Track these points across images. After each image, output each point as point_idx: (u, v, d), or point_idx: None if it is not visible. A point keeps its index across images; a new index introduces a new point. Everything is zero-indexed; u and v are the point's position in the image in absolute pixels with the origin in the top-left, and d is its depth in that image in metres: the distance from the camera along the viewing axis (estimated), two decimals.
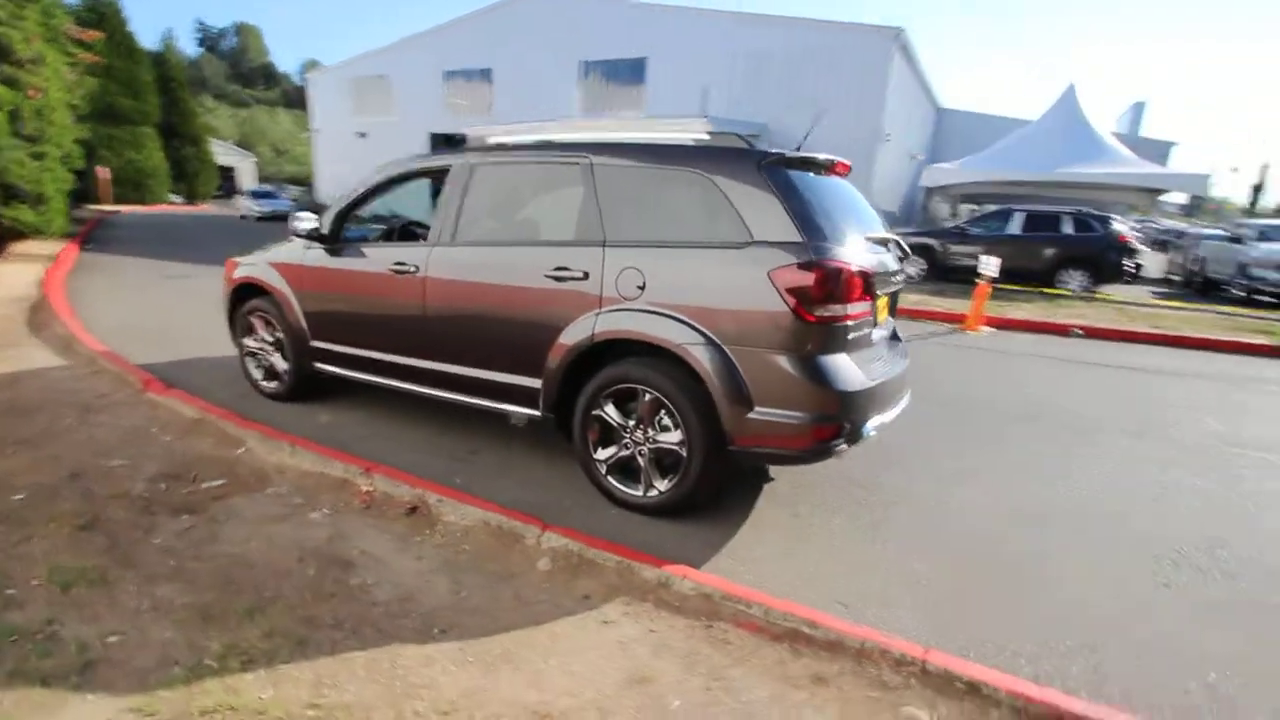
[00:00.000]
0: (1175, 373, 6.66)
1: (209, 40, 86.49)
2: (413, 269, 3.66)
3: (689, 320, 2.87)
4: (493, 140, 3.77)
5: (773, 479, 3.55)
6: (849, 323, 2.84)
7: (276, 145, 61.86)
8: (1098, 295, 11.84)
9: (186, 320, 6.88)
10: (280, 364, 4.47)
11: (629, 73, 19.75)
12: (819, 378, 2.75)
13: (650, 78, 19.22)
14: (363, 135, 25.58)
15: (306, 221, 4.08)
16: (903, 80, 17.63)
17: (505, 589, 2.45)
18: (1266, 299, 12.15)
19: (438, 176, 3.78)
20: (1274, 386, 6.26)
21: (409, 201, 4.83)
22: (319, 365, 4.26)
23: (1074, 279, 12.16)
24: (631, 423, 3.10)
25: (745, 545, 2.87)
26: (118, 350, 5.32)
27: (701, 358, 2.83)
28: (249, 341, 4.63)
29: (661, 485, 3.06)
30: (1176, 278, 16.17)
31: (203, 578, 2.43)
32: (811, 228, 2.77)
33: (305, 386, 4.52)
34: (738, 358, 2.80)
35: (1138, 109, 32.31)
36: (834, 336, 2.79)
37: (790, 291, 2.70)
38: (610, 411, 3.13)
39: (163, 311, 7.41)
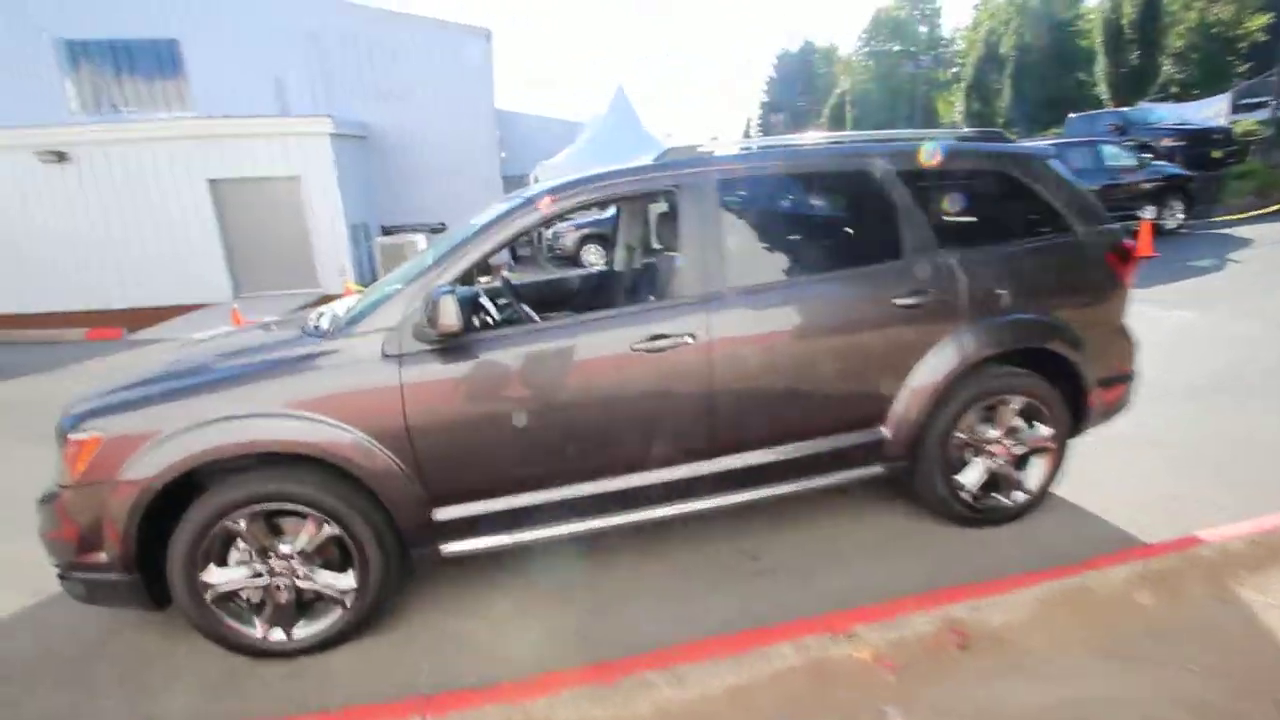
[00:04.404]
0: None
1: None
2: (686, 338, 2.50)
3: (1053, 318, 2.88)
4: (704, 149, 2.79)
5: None
6: None
7: None
8: None
9: None
10: (337, 583, 2.42)
11: (155, 59, 14.55)
12: (1129, 334, 3.14)
13: (190, 66, 14.61)
14: None
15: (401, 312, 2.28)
16: None
17: (1175, 632, 2.19)
18: None
19: (641, 203, 2.63)
20: None
21: None
22: (453, 547, 2.49)
23: None
24: (992, 434, 2.94)
25: (1095, 503, 3.14)
26: None
27: (1072, 349, 2.89)
28: (218, 576, 2.35)
29: (1032, 484, 3.02)
30: None
31: None
32: (1102, 211, 3.11)
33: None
34: (1089, 337, 2.96)
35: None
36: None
37: (1119, 266, 3.01)
38: (966, 432, 2.89)
39: None
